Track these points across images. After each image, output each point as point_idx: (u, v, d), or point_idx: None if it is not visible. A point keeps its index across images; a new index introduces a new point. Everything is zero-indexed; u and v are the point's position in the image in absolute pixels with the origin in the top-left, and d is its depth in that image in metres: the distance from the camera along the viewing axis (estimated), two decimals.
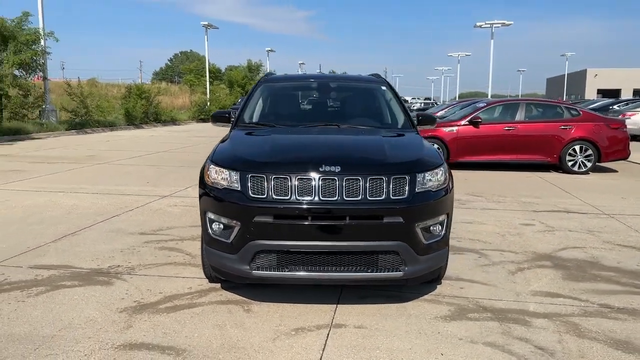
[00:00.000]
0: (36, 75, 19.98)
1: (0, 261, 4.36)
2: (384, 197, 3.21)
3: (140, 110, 25.33)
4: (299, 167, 3.24)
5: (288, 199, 3.17)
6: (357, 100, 5.05)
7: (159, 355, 2.84)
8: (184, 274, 4.11)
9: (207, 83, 37.82)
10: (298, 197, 3.17)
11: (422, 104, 41.56)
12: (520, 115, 10.90)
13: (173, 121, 29.00)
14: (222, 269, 3.37)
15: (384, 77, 5.31)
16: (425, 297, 3.73)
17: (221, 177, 3.34)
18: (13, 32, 18.12)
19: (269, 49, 49.77)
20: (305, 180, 3.18)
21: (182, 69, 45.34)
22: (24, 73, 18.88)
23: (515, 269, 4.42)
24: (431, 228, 3.40)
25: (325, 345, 2.98)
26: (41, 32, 19.04)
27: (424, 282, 3.71)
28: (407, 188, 3.26)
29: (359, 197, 3.18)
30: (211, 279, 3.79)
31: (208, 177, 3.44)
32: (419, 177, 3.34)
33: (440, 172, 3.50)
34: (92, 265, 4.29)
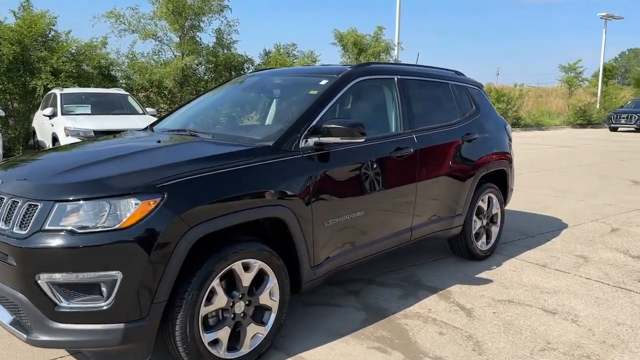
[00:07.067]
0: None
1: None
2: (9, 227, 2.41)
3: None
4: None
5: None
6: (283, 102, 3.70)
7: None
8: None
9: (600, 82, 32.57)
10: None
11: None
12: None
13: (538, 126, 26.54)
14: None
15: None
16: None
17: None
18: (366, 46, 20.74)
19: None
20: None
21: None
22: None
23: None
24: (80, 286, 2.32)
25: None
26: (391, 43, 20.99)
27: None
28: (32, 221, 2.34)
29: None
30: None
31: None
32: (58, 207, 2.33)
33: (118, 205, 2.32)
34: None
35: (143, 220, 2.33)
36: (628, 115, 24.10)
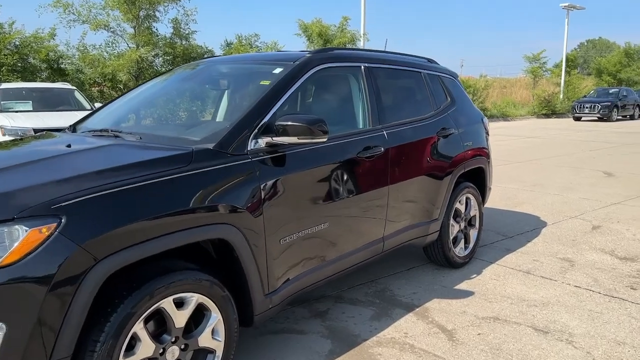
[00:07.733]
0: None
1: None
2: None
3: None
4: None
5: None
6: (229, 95, 3.14)
7: None
8: None
9: (563, 72, 32.92)
10: None
11: None
12: None
13: (504, 117, 26.57)
14: None
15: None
16: None
17: None
18: (332, 37, 20.22)
19: None
20: None
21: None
22: None
23: None
24: None
25: None
26: (357, 34, 20.53)
27: None
28: None
29: None
30: None
31: None
32: None
33: None
34: None
35: (33, 253, 1.75)
36: (591, 105, 24.35)
